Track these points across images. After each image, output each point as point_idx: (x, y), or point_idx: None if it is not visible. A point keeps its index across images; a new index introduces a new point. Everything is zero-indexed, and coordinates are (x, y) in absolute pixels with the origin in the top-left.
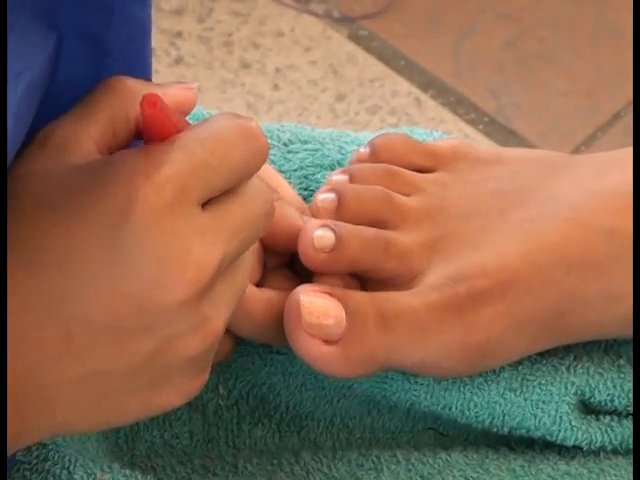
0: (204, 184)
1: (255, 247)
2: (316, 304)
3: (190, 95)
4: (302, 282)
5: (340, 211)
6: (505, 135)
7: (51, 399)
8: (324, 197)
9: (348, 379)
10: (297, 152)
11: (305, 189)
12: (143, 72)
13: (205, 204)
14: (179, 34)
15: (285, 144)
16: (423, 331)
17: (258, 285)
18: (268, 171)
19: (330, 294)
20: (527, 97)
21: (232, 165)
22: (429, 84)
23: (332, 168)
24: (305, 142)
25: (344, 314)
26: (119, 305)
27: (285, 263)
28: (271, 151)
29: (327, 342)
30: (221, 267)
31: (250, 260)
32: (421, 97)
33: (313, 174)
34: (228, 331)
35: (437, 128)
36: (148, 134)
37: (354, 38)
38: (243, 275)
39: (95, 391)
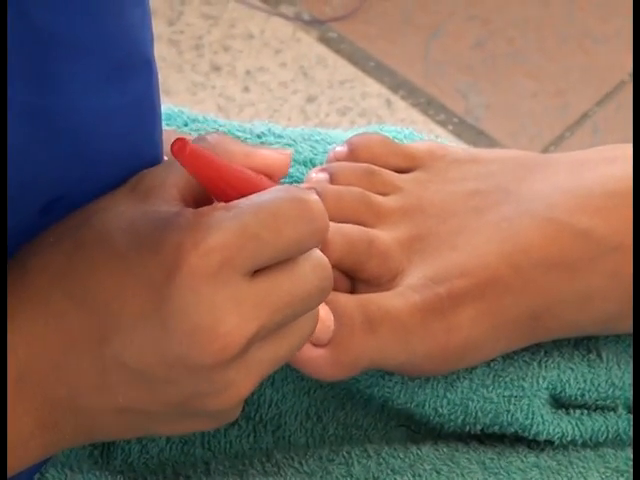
0: (252, 257)
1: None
2: None
3: (282, 159)
4: None
5: None
6: (474, 135)
7: (88, 423)
8: None
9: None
10: (271, 144)
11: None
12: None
13: (258, 271)
14: None
15: (258, 136)
16: (407, 333)
17: None
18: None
19: None
20: (496, 97)
21: (285, 242)
22: (399, 85)
23: (305, 165)
24: (279, 136)
25: (332, 318)
26: (151, 357)
27: None
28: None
29: (315, 345)
30: (256, 338)
31: (310, 325)
32: (391, 98)
33: None
34: None
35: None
36: (200, 181)
37: (324, 40)
38: (292, 341)
39: (127, 422)
